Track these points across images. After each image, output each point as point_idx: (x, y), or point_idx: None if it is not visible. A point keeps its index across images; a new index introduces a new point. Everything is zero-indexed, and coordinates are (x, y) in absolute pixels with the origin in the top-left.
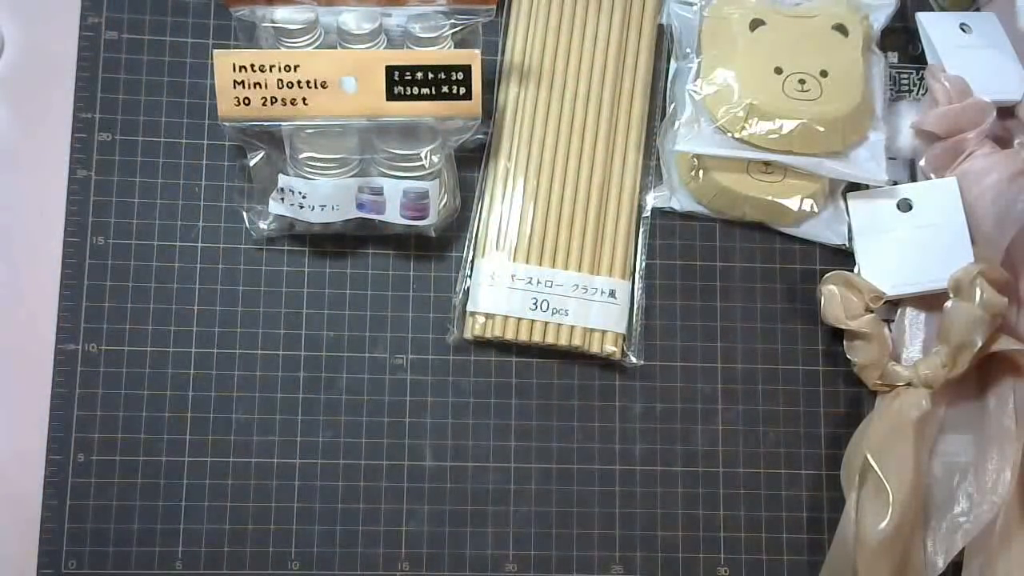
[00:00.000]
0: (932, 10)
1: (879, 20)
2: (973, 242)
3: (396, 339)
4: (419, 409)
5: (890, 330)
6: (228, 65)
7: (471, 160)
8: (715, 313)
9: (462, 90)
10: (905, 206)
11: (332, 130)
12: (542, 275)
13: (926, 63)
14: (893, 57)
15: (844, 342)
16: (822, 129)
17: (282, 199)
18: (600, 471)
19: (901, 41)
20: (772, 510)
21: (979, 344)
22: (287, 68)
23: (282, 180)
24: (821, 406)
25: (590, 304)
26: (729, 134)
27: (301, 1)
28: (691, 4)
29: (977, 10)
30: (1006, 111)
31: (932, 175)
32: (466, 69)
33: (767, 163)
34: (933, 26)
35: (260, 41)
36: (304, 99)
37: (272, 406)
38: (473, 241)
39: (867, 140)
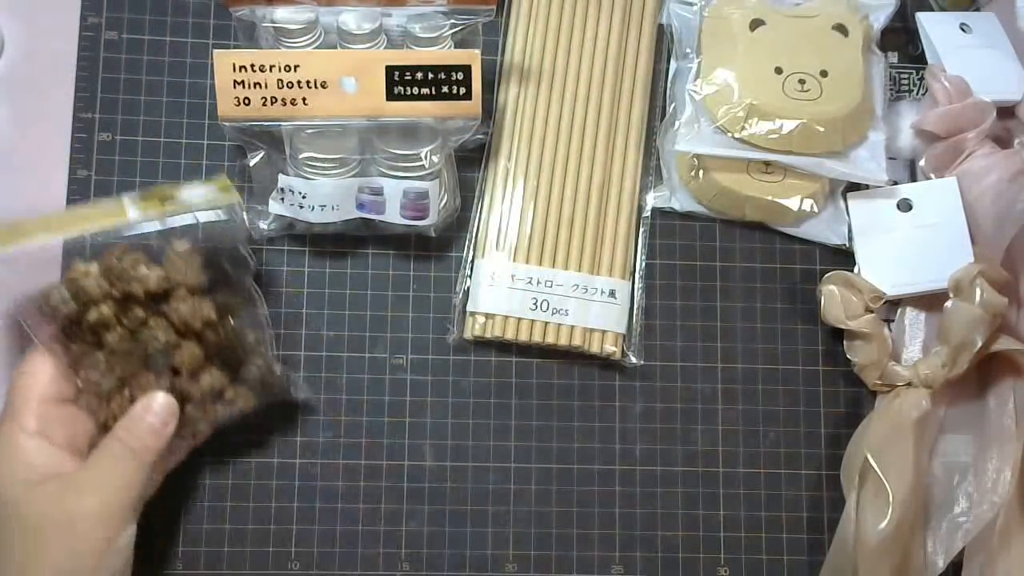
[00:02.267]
0: (932, 10)
1: (879, 20)
2: (973, 242)
3: (396, 339)
4: (419, 409)
5: (890, 330)
6: (228, 65)
7: (471, 160)
8: (715, 313)
9: (462, 90)
10: (905, 206)
11: (332, 130)
12: (542, 275)
13: (926, 63)
14: (893, 57)
15: (844, 342)
16: (822, 129)
17: (282, 199)
18: (600, 471)
19: (901, 41)
20: (772, 510)
21: (979, 344)
22: (287, 68)
23: (282, 180)
24: (821, 406)
25: (590, 304)
26: (729, 134)
27: (301, 1)
28: (691, 4)
29: (977, 10)
30: (1006, 111)
31: (932, 175)
32: (466, 69)
33: (767, 163)
34: (933, 26)
35: (260, 41)
36: (304, 99)
37: (272, 406)
38: (473, 241)
39: (867, 140)
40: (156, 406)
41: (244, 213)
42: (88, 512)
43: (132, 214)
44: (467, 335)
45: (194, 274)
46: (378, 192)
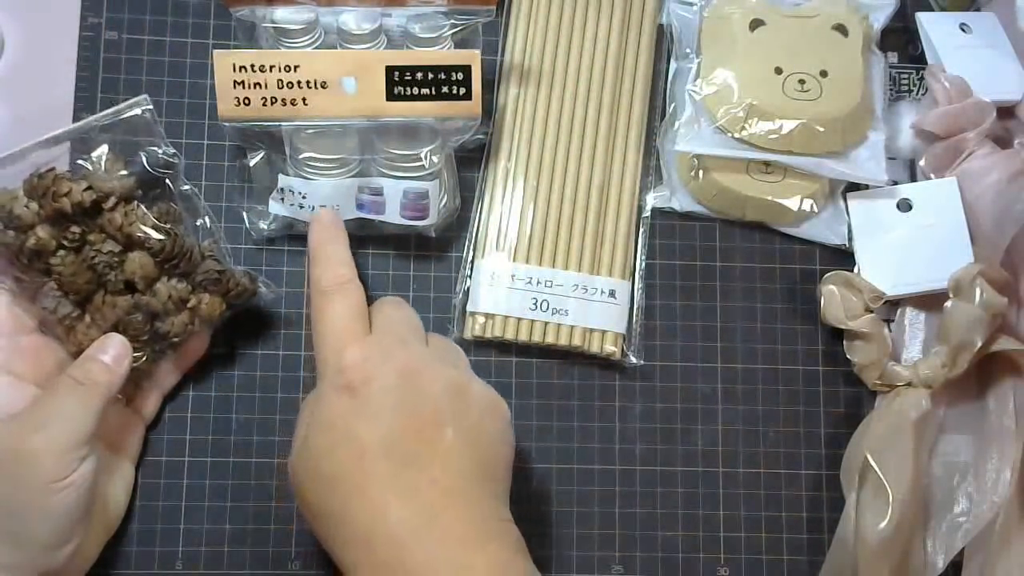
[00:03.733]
0: (932, 10)
1: (879, 20)
2: (973, 242)
3: None
4: None
5: (890, 330)
6: (228, 65)
7: (471, 160)
8: (715, 313)
9: (462, 90)
10: (905, 206)
11: (332, 130)
12: (542, 275)
13: (926, 63)
14: (893, 57)
15: (844, 342)
16: (822, 129)
17: (282, 199)
18: (600, 471)
19: (901, 41)
20: (772, 510)
21: (979, 344)
22: (287, 68)
23: (282, 180)
24: (821, 406)
25: (590, 304)
26: (729, 134)
27: (301, 1)
28: (691, 4)
29: (977, 10)
30: (1006, 111)
31: (932, 175)
32: (466, 69)
33: (767, 163)
34: (933, 26)
35: (260, 41)
36: (304, 99)
37: (272, 406)
38: (473, 241)
39: (867, 140)
40: (108, 345)
41: (152, 113)
42: (36, 448)
43: None
44: (467, 335)
45: (120, 181)
46: (378, 192)
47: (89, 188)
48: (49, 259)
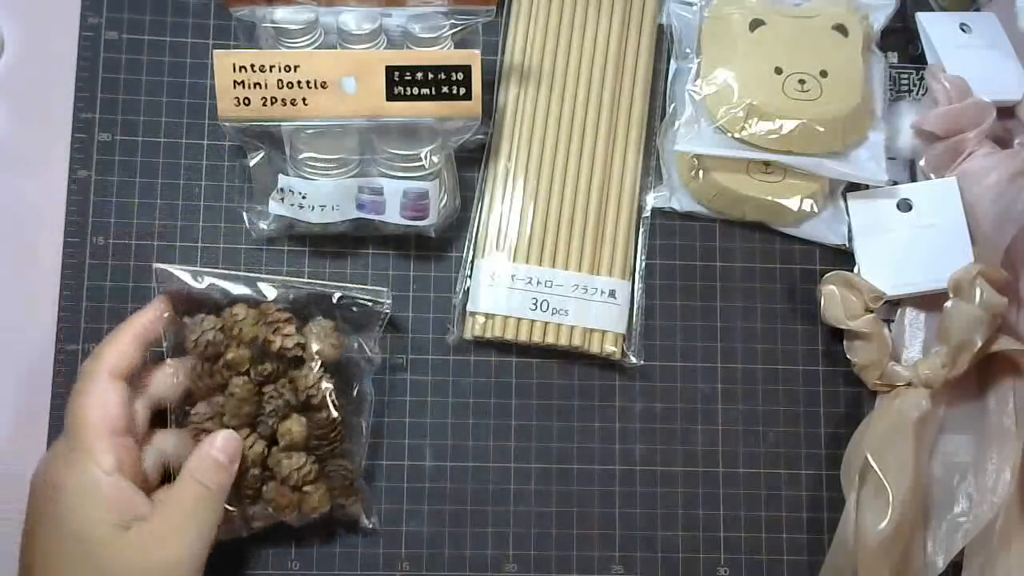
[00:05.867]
0: (932, 10)
1: (879, 20)
2: (973, 242)
3: (396, 339)
4: (419, 409)
5: (890, 330)
6: (228, 65)
7: (471, 160)
8: (715, 313)
9: (462, 90)
10: (905, 206)
11: (332, 130)
12: (542, 275)
13: (926, 63)
14: (893, 57)
15: (844, 342)
16: (822, 129)
17: (282, 199)
18: (600, 471)
19: (901, 41)
20: (772, 510)
21: (979, 344)
22: (287, 68)
23: (282, 180)
24: (821, 406)
25: (590, 304)
26: (729, 134)
27: (301, 1)
28: (691, 4)
29: (977, 10)
30: (1006, 111)
31: (932, 175)
32: (466, 69)
33: (767, 163)
34: (933, 26)
35: (260, 41)
36: (304, 99)
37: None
38: (473, 241)
39: (867, 140)
40: (220, 441)
41: (387, 315)
42: (171, 561)
43: None
44: (467, 335)
45: (328, 351)
46: (378, 192)
47: (300, 344)
48: (231, 378)
